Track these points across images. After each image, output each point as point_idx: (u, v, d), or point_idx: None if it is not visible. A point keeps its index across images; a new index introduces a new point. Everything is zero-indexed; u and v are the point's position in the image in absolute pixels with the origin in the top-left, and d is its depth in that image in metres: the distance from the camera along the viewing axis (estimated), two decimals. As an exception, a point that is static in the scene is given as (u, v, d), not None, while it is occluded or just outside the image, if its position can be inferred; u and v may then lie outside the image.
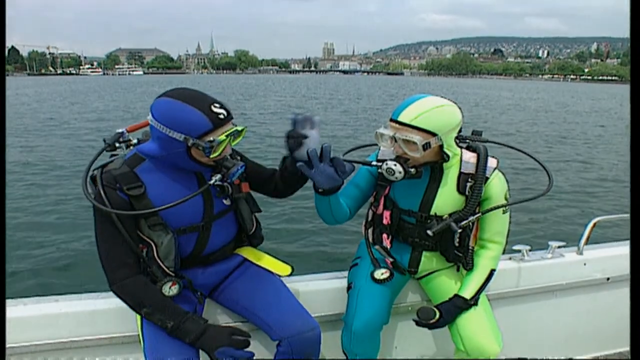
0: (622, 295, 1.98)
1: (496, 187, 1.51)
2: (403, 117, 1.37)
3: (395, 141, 1.40)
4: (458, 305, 1.52)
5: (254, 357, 1.29)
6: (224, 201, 1.44)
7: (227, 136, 1.25)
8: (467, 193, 1.50)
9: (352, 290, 1.65)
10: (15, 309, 1.48)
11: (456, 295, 1.54)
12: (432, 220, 1.52)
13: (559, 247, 2.06)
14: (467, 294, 1.54)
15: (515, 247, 2.00)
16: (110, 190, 1.26)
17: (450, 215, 1.51)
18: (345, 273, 1.80)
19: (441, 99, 1.42)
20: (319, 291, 1.75)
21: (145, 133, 1.44)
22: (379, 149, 1.60)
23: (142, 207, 1.27)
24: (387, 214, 1.58)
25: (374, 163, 1.47)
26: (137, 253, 1.30)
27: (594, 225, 2.07)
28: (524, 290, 1.96)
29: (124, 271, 1.28)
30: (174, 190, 1.31)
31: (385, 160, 1.43)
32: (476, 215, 1.50)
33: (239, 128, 1.31)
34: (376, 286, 1.61)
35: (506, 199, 1.53)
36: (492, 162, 1.50)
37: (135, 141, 1.43)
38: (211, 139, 1.23)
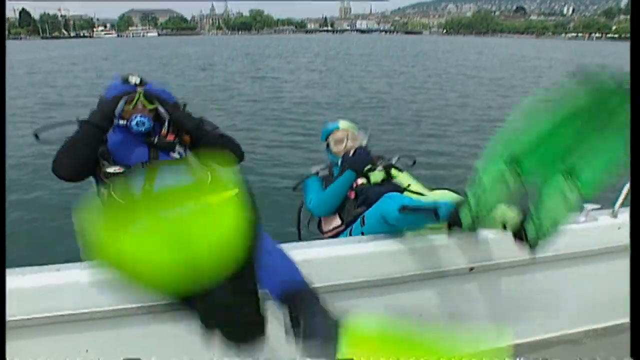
0: (659, 260, 1.88)
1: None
2: None
3: None
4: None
5: None
6: (172, 154, 1.58)
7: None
8: None
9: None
10: (13, 280, 1.36)
11: None
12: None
13: (593, 209, 1.95)
14: None
15: (549, 210, 1.89)
16: None
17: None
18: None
19: None
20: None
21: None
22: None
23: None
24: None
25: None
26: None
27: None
28: (556, 255, 1.87)
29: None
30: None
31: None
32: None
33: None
34: None
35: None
36: None
37: None
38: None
